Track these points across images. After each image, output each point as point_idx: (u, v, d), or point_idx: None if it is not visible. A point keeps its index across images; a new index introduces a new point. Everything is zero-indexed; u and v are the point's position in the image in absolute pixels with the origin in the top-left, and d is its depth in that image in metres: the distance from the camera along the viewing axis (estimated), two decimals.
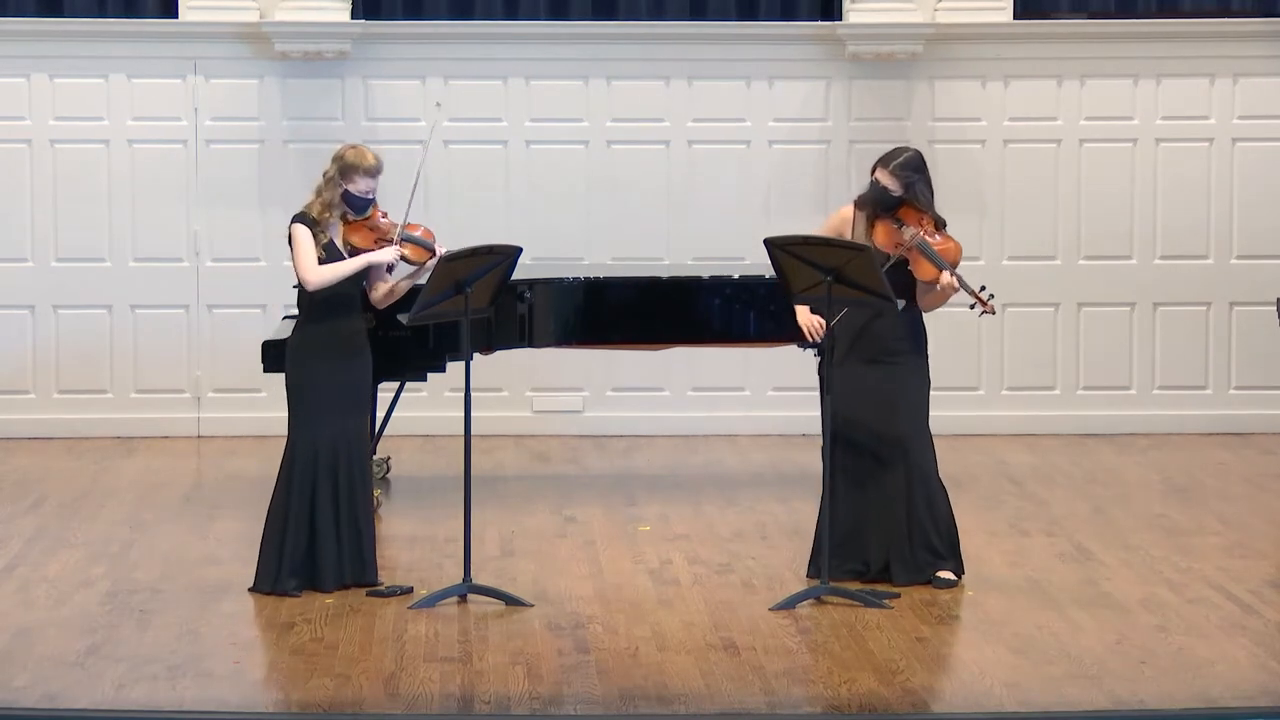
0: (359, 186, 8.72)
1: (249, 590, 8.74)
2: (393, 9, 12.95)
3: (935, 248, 8.77)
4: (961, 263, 8.86)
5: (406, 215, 8.83)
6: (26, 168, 12.74)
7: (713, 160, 12.94)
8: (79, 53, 12.70)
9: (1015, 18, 13.01)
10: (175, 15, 12.76)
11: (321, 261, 8.66)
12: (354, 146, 8.82)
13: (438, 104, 8.90)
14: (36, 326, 12.77)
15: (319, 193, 8.75)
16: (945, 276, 8.71)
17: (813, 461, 11.42)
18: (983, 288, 8.76)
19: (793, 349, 11.06)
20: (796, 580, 8.96)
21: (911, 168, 8.86)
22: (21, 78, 12.70)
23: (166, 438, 12.75)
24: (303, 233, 8.66)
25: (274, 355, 9.91)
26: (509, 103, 12.88)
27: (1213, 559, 9.44)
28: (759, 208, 12.87)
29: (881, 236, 8.81)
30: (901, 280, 8.75)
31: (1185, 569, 9.24)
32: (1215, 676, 7.53)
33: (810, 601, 8.55)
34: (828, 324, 8.61)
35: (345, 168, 8.71)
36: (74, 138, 12.73)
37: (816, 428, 11.18)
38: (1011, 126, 12.99)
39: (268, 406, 11.96)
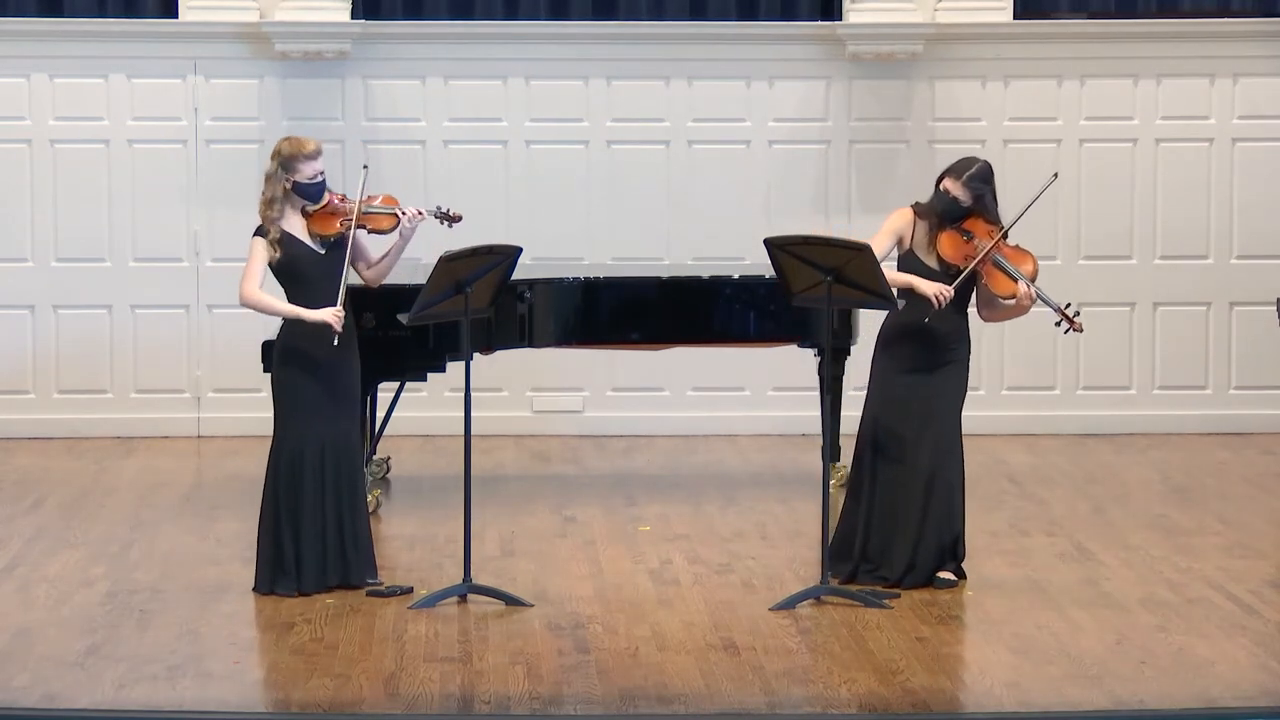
0: (305, 173, 8.66)
1: (252, 590, 8.74)
2: (393, 9, 12.96)
3: (1011, 261, 8.72)
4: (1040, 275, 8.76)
5: (361, 193, 8.74)
6: (26, 168, 12.74)
7: (713, 160, 12.95)
8: (79, 53, 12.70)
9: (1015, 18, 13.01)
10: (175, 15, 12.77)
11: (286, 259, 8.63)
12: (289, 138, 8.78)
13: (364, 166, 8.94)
14: (36, 326, 12.78)
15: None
16: (1023, 287, 8.65)
17: (813, 461, 11.43)
18: (1069, 304, 8.70)
19: (793, 349, 11.08)
20: (796, 580, 8.95)
21: (982, 178, 8.74)
22: (21, 78, 12.71)
23: (166, 438, 12.75)
24: (258, 247, 8.63)
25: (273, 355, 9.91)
26: (509, 103, 12.88)
27: (1213, 559, 9.44)
28: (759, 208, 12.87)
29: (948, 248, 8.71)
30: (958, 289, 8.71)
31: (1185, 569, 9.24)
32: (1215, 676, 7.53)
33: (810, 601, 8.54)
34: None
35: (286, 160, 8.65)
36: (74, 138, 12.74)
37: (816, 428, 11.23)
38: (1011, 126, 12.99)
39: (267, 406, 11.90)
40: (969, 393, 8.98)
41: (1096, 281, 13.01)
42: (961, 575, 8.89)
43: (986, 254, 8.65)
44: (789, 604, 8.51)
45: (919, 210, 8.83)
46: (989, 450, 12.24)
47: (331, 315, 8.55)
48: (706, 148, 12.95)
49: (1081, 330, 8.74)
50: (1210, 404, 13.08)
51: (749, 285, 10.68)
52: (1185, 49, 12.98)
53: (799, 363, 11.69)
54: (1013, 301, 8.72)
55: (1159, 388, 13.10)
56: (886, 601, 8.51)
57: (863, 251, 8.42)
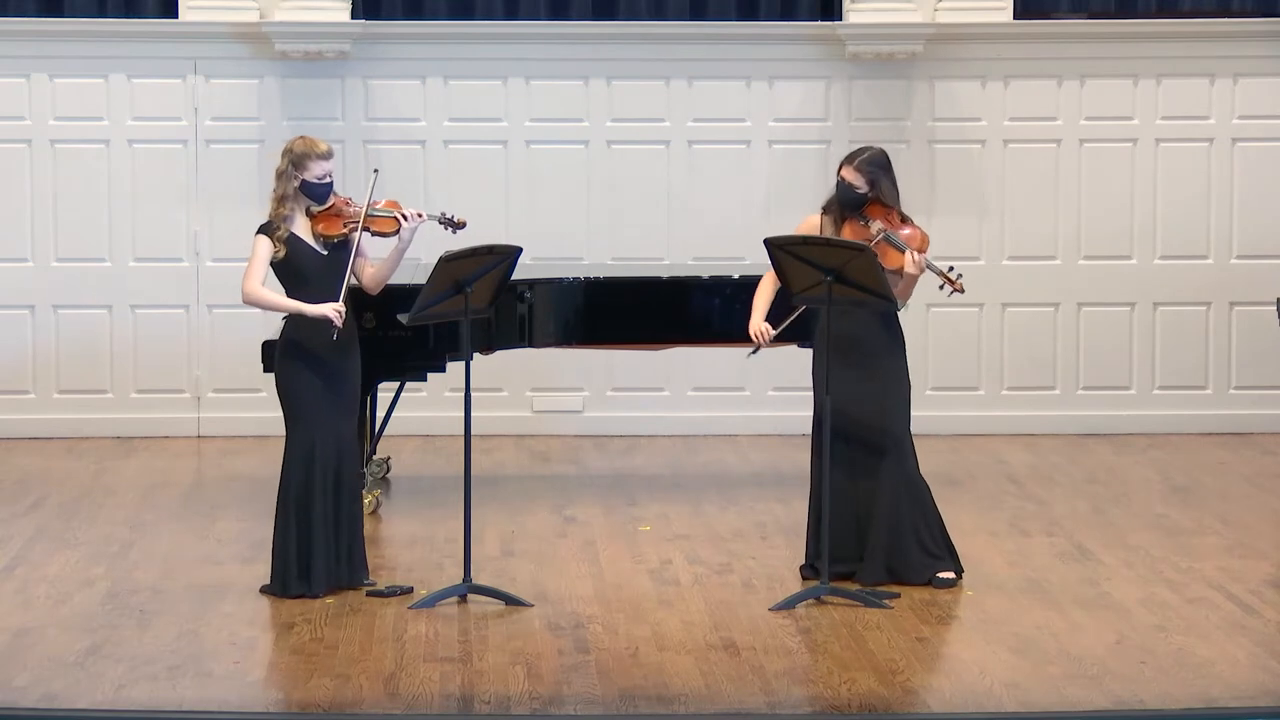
0: (315, 173, 8.67)
1: (260, 590, 8.74)
2: (393, 9, 12.96)
3: (900, 236, 8.80)
4: (930, 252, 8.86)
5: (370, 196, 8.76)
6: (26, 168, 12.74)
7: (713, 160, 12.94)
8: (79, 53, 12.70)
9: (1015, 18, 13.01)
10: (175, 15, 12.76)
11: (287, 258, 8.64)
12: (301, 137, 8.79)
13: (375, 170, 8.95)
14: (36, 326, 12.77)
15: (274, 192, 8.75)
16: (909, 257, 8.72)
17: None
18: (951, 268, 8.79)
19: (793, 349, 11.08)
20: (796, 580, 8.96)
21: (876, 164, 8.90)
22: (21, 78, 12.70)
23: (166, 438, 12.75)
24: (260, 244, 8.64)
25: (274, 355, 9.90)
26: (509, 103, 12.88)
27: (1213, 559, 9.44)
28: (759, 208, 12.87)
29: (849, 236, 8.81)
30: None
31: (1185, 569, 9.24)
32: (1215, 676, 7.53)
33: (810, 601, 8.55)
34: (775, 330, 8.72)
35: (297, 158, 8.66)
36: (74, 138, 12.74)
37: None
38: (1011, 126, 12.99)
39: (268, 406, 11.91)
40: (970, 393, 9.01)
41: (1096, 281, 13.01)
42: (960, 570, 8.89)
43: (879, 234, 8.73)
44: (789, 604, 8.51)
45: (825, 208, 9.02)
46: (989, 450, 12.25)
47: (332, 310, 8.57)
48: (706, 148, 12.95)
49: (963, 291, 8.78)
50: (1210, 404, 13.08)
51: (749, 285, 10.62)
52: (1185, 49, 12.98)
53: (799, 363, 11.67)
54: (903, 275, 8.75)
55: (1159, 388, 13.10)
56: (886, 601, 8.52)
57: (863, 251, 8.45)
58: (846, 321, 8.81)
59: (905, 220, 8.91)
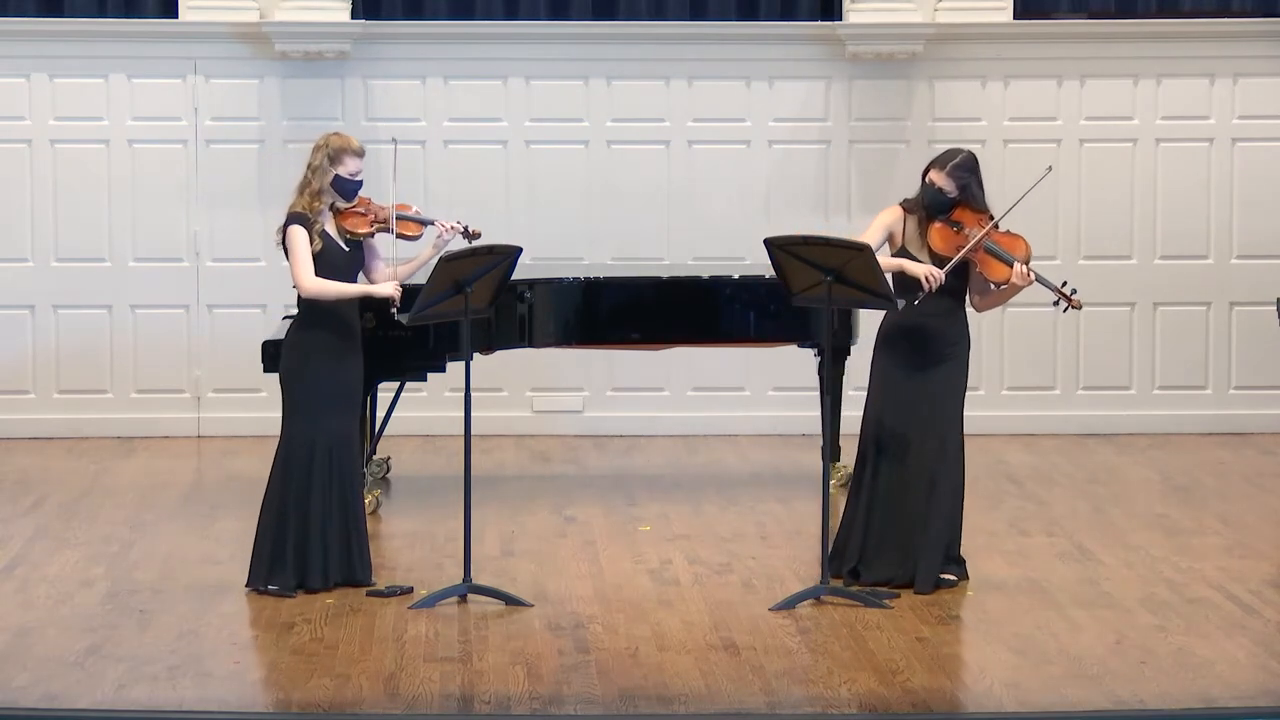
0: (349, 169, 8.70)
1: (245, 586, 8.74)
2: (393, 9, 12.96)
3: (1003, 245, 8.73)
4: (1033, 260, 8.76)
5: (394, 197, 8.80)
6: (26, 168, 12.74)
7: (713, 160, 12.94)
8: (79, 53, 12.70)
9: (1015, 18, 13.01)
10: (175, 15, 12.77)
11: (319, 253, 8.65)
12: (336, 133, 8.83)
13: (393, 140, 8.99)
14: (36, 326, 12.77)
15: (303, 187, 8.74)
16: (1019, 269, 8.65)
17: (813, 461, 11.43)
18: (1064, 283, 8.69)
19: (792, 349, 11.09)
20: (796, 580, 8.96)
21: (966, 168, 8.77)
22: (21, 78, 12.70)
23: (166, 438, 12.75)
24: (300, 236, 8.64)
25: (274, 355, 9.90)
26: (509, 103, 12.88)
27: (1213, 559, 9.44)
28: (759, 208, 12.87)
29: (938, 240, 8.72)
30: (952, 284, 8.70)
31: (1185, 569, 9.24)
32: (1215, 676, 7.53)
33: (810, 601, 8.55)
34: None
35: (334, 153, 8.69)
36: (74, 138, 12.73)
37: (816, 428, 11.23)
38: (1011, 126, 12.99)
39: (268, 406, 11.95)
40: (969, 392, 8.98)
41: (1096, 281, 13.00)
42: (964, 575, 8.89)
43: (978, 241, 8.66)
44: (789, 604, 8.51)
45: (907, 206, 8.87)
46: (989, 450, 12.24)
47: (393, 288, 8.67)
48: (706, 148, 12.95)
49: (1080, 307, 8.70)
50: (1210, 404, 13.08)
51: (749, 285, 10.69)
52: (1185, 49, 12.98)
53: (799, 363, 11.69)
54: (1006, 286, 8.71)
55: (1159, 388, 13.10)
56: (886, 601, 8.51)
57: (863, 251, 8.43)
58: (917, 321, 8.70)
59: (996, 225, 8.71)
